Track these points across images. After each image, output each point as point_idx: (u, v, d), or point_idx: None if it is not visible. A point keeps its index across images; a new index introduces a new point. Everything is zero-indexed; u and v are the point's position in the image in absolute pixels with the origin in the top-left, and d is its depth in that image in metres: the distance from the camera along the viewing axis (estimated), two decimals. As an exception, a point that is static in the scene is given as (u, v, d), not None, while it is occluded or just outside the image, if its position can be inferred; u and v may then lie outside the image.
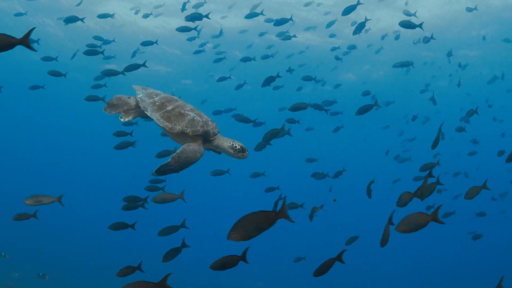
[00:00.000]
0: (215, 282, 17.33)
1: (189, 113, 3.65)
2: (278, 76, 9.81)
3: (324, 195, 13.15)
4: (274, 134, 7.12)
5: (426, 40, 12.80)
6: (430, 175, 5.52)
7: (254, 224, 3.34)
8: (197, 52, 15.99)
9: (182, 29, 11.86)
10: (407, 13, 12.86)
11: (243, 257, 4.39)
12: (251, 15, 13.05)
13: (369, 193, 7.03)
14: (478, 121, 13.31)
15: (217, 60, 15.55)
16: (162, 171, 3.35)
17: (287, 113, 9.16)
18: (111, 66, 17.70)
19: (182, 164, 3.41)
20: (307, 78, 12.04)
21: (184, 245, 6.27)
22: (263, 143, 7.22)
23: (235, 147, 3.69)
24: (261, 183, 12.06)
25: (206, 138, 3.65)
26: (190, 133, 3.57)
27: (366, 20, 11.45)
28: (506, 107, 26.32)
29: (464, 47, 22.86)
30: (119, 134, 8.65)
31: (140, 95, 3.82)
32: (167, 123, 3.58)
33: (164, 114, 3.61)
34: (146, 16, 17.09)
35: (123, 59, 15.85)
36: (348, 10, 10.97)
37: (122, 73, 9.50)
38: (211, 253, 7.45)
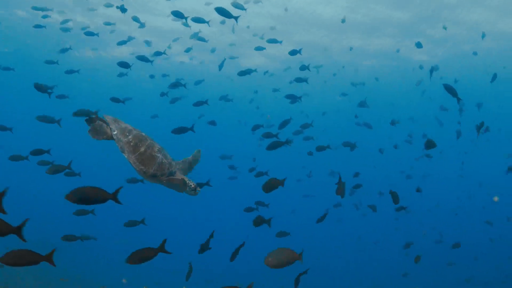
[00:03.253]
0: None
1: (158, 155, 4.21)
2: (287, 141, 8.66)
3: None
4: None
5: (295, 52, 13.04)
6: None
7: None
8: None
9: None
10: (236, 4, 11.81)
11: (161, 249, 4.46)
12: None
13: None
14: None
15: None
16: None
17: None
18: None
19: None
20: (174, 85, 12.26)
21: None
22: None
23: (190, 185, 4.37)
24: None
25: (169, 176, 4.27)
26: (160, 176, 4.21)
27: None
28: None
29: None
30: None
31: (115, 131, 4.21)
32: (142, 167, 4.14)
33: (139, 157, 4.13)
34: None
35: None
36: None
37: None
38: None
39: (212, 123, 16.41)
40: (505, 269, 20.59)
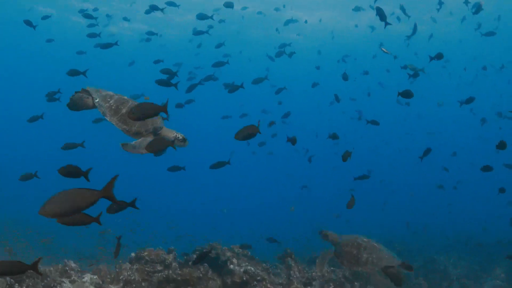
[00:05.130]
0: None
1: None
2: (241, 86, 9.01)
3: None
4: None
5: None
6: None
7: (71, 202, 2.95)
8: None
9: None
10: None
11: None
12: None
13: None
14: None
15: None
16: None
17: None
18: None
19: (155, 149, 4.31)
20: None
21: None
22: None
23: (178, 137, 4.54)
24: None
25: (155, 133, 4.44)
26: (144, 133, 4.39)
27: None
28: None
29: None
30: None
31: (97, 99, 4.38)
32: (125, 126, 4.32)
33: (121, 118, 4.29)
34: None
35: None
36: None
37: None
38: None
39: (157, 61, 15.81)
40: (444, 211, 21.19)
